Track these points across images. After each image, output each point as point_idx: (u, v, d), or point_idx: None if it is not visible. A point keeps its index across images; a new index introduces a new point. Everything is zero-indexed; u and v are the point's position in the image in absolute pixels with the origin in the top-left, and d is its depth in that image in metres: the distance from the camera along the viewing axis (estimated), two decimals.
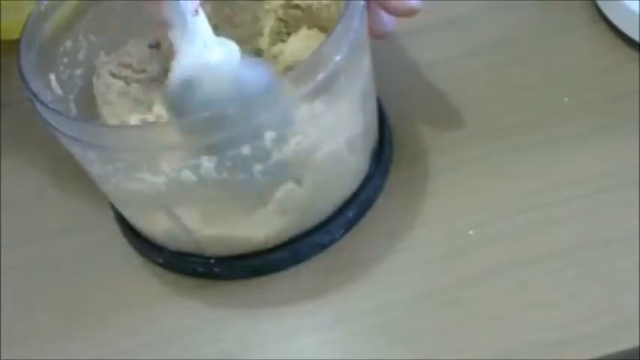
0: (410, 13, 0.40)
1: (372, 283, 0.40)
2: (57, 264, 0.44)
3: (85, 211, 0.45)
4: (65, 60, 0.41)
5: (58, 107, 0.38)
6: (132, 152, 0.36)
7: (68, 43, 0.42)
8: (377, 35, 0.41)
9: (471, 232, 0.40)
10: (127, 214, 0.42)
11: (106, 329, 0.41)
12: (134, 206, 0.41)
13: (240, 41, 0.40)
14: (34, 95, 0.36)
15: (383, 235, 0.41)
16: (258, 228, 0.39)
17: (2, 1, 0.54)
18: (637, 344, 0.35)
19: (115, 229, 0.44)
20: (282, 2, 0.44)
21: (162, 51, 0.44)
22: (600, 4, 0.48)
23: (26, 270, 0.44)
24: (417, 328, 0.38)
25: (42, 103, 0.36)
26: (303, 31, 0.42)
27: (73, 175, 0.42)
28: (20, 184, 0.48)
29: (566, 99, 0.45)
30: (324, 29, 0.42)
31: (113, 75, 0.43)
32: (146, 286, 0.42)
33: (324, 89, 0.36)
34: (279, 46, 0.44)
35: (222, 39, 0.39)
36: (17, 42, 0.39)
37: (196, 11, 0.36)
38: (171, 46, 0.37)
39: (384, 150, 0.43)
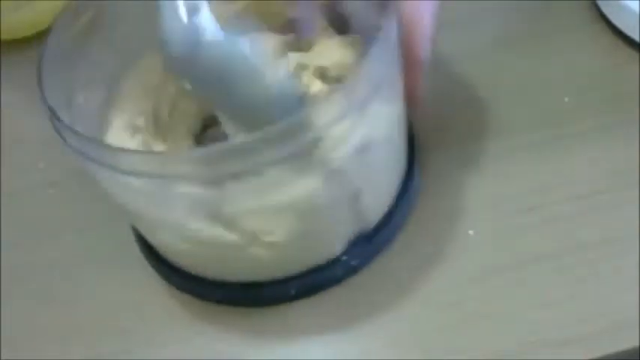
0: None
1: (372, 280, 0.40)
2: (57, 264, 0.44)
3: (87, 211, 0.45)
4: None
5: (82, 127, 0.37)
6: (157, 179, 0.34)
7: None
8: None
9: (471, 232, 0.40)
10: (149, 237, 0.41)
11: (106, 330, 0.41)
12: (158, 232, 0.39)
13: None
14: (55, 114, 0.35)
15: None
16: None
17: (2, 1, 0.54)
18: (637, 344, 0.35)
19: (118, 226, 0.43)
20: None
21: None
22: (600, 4, 0.48)
23: (26, 270, 0.44)
24: (417, 328, 0.38)
25: (69, 129, 0.34)
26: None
27: (75, 175, 0.42)
28: (20, 184, 0.48)
29: (566, 99, 0.45)
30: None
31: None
32: (151, 291, 0.41)
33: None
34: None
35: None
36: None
37: None
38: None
39: None
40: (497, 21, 0.50)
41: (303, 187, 0.35)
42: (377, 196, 0.39)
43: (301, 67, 0.40)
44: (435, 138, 0.44)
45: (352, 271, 0.40)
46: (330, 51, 0.41)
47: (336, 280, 0.39)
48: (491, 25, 0.50)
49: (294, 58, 0.41)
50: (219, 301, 0.40)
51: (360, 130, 0.35)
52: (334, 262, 0.39)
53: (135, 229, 0.42)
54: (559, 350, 0.36)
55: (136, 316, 0.41)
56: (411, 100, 0.39)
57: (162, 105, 0.42)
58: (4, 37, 0.53)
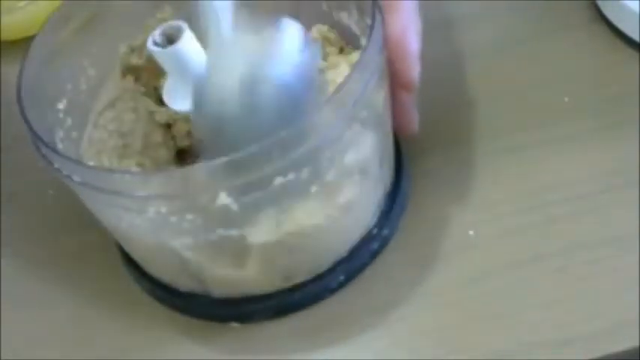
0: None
1: (371, 282, 0.40)
2: (56, 264, 0.44)
3: (87, 211, 0.45)
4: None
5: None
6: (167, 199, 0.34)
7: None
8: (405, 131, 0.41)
9: (471, 232, 0.40)
10: (136, 256, 0.41)
11: (106, 330, 0.41)
12: (144, 250, 0.39)
13: None
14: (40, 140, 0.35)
15: None
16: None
17: (2, 2, 0.54)
18: (637, 344, 0.35)
19: None
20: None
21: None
22: (600, 4, 0.48)
23: (26, 270, 0.44)
24: (417, 328, 0.38)
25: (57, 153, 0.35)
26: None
27: None
28: (20, 184, 0.48)
29: (566, 99, 0.45)
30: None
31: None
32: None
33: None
34: None
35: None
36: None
37: None
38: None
39: None
40: (497, 21, 0.50)
41: (368, 144, 0.36)
42: (391, 154, 0.41)
43: None
44: (435, 137, 0.44)
45: (385, 242, 0.40)
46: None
47: (374, 255, 0.40)
48: (491, 25, 0.50)
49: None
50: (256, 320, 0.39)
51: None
52: (369, 237, 0.39)
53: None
54: (559, 350, 0.36)
55: (136, 316, 0.41)
56: (401, 128, 0.41)
57: (135, 139, 0.42)
58: (4, 37, 0.53)
